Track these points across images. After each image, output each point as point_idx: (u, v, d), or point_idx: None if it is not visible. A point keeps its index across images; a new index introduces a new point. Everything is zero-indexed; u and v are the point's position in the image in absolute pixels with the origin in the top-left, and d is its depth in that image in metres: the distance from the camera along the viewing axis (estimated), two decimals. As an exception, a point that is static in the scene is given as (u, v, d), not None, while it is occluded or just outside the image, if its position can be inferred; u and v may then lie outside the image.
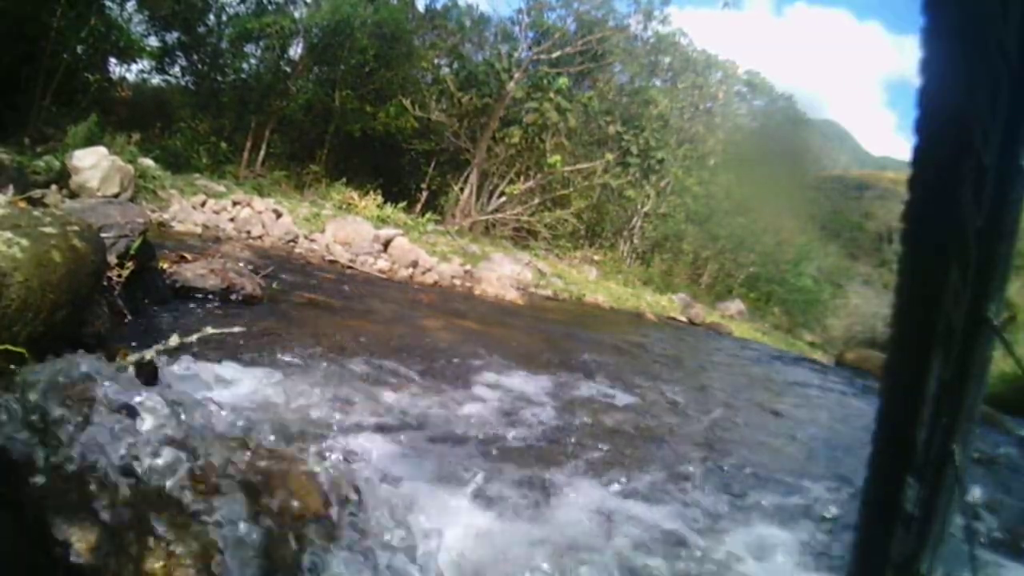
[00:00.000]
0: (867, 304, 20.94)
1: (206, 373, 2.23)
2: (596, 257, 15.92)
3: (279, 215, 7.97)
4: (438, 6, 16.14)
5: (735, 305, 16.34)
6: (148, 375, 1.91)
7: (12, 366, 1.44)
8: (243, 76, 13.15)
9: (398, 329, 4.26)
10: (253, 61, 13.19)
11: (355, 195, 11.82)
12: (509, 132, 14.09)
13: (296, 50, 13.16)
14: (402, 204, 12.51)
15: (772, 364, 8.20)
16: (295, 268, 5.90)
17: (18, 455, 1.21)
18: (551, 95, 13.68)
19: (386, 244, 7.96)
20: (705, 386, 5.00)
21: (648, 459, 2.65)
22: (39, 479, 1.17)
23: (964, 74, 0.40)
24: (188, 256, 4.11)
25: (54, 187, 5.86)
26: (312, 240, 7.63)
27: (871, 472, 0.48)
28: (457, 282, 7.98)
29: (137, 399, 1.50)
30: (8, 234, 1.57)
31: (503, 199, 14.54)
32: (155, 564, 1.09)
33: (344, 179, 12.68)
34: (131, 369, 1.85)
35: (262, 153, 12.54)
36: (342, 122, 13.24)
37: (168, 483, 1.29)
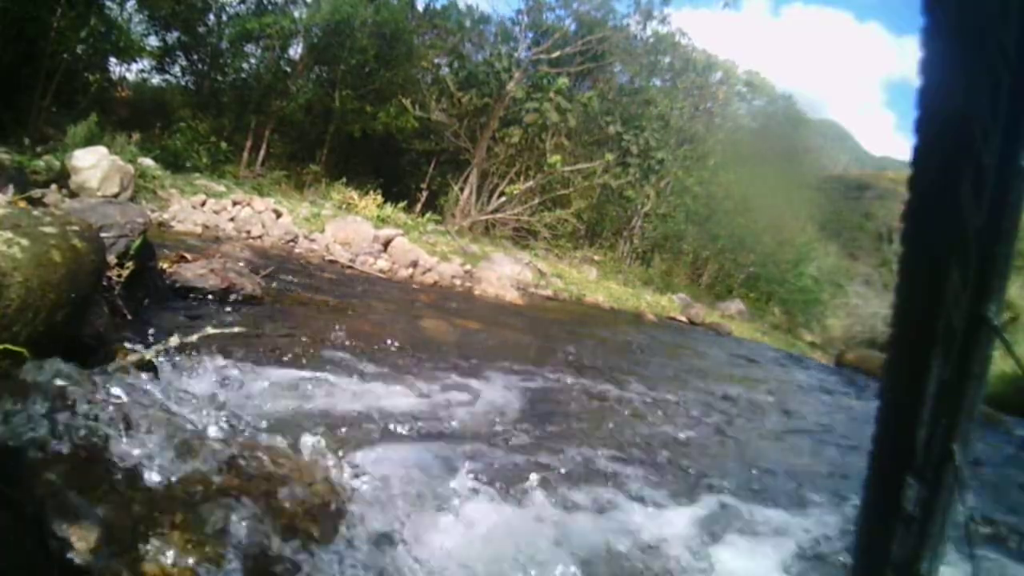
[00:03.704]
0: (867, 304, 20.93)
1: (206, 372, 2.23)
2: (596, 257, 15.90)
3: (279, 215, 7.96)
4: (438, 6, 16.14)
5: (735, 305, 16.32)
6: (148, 375, 1.91)
7: (12, 366, 1.44)
8: (243, 76, 13.12)
9: (398, 329, 4.26)
10: (253, 61, 13.16)
11: (355, 195, 11.80)
12: (509, 132, 14.06)
13: (296, 50, 13.14)
14: (402, 204, 12.49)
15: (772, 364, 8.19)
16: (295, 268, 5.90)
17: (18, 455, 1.21)
18: (551, 95, 13.65)
19: (386, 244, 7.96)
20: (706, 386, 4.99)
21: (650, 461, 2.65)
22: (39, 479, 1.17)
23: (964, 74, 0.40)
24: (188, 256, 4.10)
25: (54, 187, 5.86)
26: (312, 240, 7.62)
27: (871, 472, 0.48)
28: (457, 282, 7.98)
29: (137, 399, 1.51)
30: (8, 234, 1.57)
31: (503, 199, 14.52)
32: (155, 564, 1.09)
33: (344, 179, 12.66)
34: (131, 369, 1.85)
35: (262, 153, 12.53)
36: (342, 122, 13.22)
37: (169, 482, 1.29)
